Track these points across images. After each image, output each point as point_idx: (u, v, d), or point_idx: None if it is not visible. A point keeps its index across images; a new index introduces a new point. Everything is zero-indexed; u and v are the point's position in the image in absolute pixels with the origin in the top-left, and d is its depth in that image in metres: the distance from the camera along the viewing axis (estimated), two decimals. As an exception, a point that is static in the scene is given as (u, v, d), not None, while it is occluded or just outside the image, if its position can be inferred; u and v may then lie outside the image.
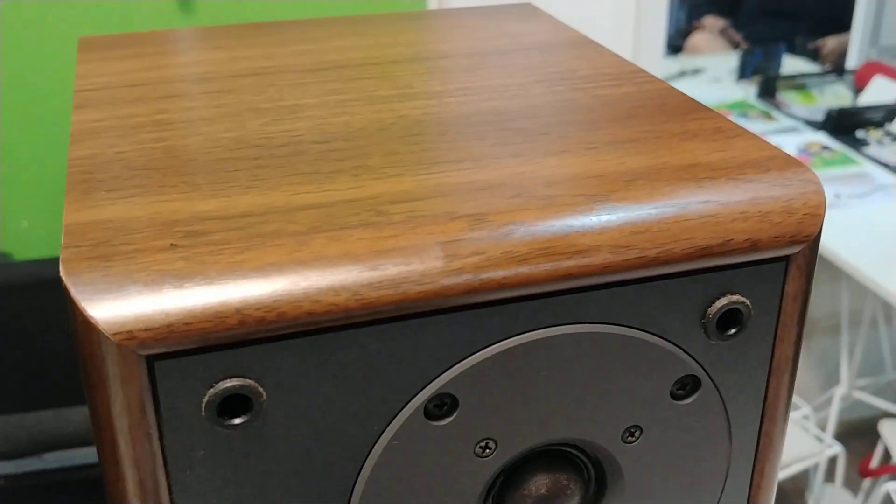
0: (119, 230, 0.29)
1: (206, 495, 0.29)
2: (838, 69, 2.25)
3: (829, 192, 1.74)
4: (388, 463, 0.30)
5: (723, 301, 0.31)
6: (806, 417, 1.79)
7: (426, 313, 0.29)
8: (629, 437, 0.33)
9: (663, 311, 0.31)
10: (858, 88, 2.11)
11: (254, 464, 0.29)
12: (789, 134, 1.94)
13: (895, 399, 1.98)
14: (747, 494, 0.36)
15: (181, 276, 0.27)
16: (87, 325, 0.26)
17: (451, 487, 0.31)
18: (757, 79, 2.15)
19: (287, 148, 0.35)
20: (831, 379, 2.07)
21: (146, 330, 0.26)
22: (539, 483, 0.32)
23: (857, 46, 2.25)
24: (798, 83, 2.16)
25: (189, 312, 0.27)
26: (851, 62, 2.26)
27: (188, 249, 0.28)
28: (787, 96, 2.11)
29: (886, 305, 1.94)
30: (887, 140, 1.93)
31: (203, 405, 0.28)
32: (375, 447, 0.30)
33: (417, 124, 0.37)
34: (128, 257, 0.28)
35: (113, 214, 0.30)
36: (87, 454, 1.05)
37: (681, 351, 0.32)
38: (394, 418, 0.30)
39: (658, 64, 1.77)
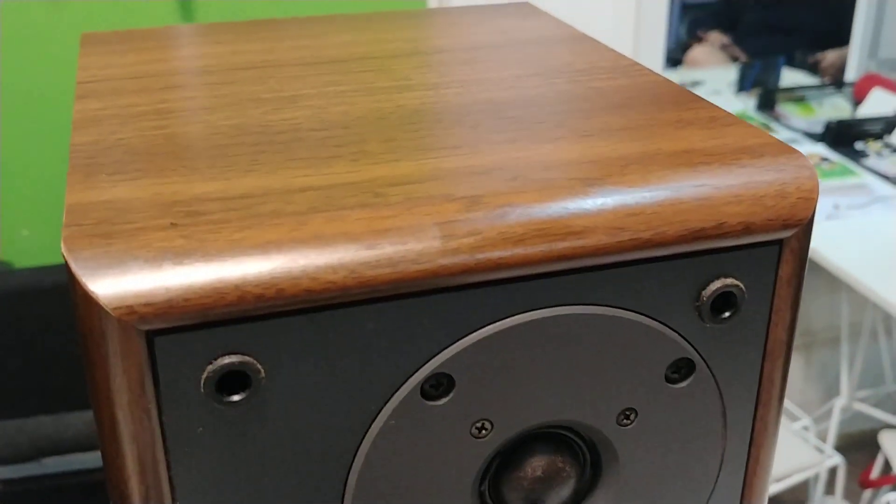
0: (120, 210, 0.29)
1: (204, 472, 0.29)
2: (837, 82, 2.25)
3: (828, 202, 1.75)
4: (385, 442, 0.30)
5: (717, 284, 0.32)
6: (806, 428, 1.78)
7: (423, 293, 0.29)
8: (624, 421, 0.33)
9: (658, 294, 0.31)
10: (857, 101, 2.12)
11: (252, 441, 0.29)
12: (788, 146, 1.94)
13: (895, 411, 1.98)
14: (742, 480, 0.36)
15: (181, 254, 0.27)
16: (88, 300, 0.27)
17: (448, 468, 0.31)
18: (756, 91, 2.16)
19: (286, 135, 0.35)
20: (831, 391, 2.07)
21: (146, 305, 0.27)
22: (535, 465, 0.33)
23: (855, 59, 2.26)
24: (797, 95, 2.17)
25: (189, 288, 0.27)
26: (850, 75, 2.26)
27: (188, 228, 0.28)
28: (786, 108, 2.12)
29: (886, 317, 1.94)
30: (886, 152, 1.93)
31: (202, 381, 0.28)
32: (373, 426, 0.30)
33: (415, 113, 0.37)
34: (128, 235, 0.28)
35: (114, 196, 0.30)
36: (86, 459, 1.05)
37: (675, 334, 0.32)
38: (391, 397, 0.30)
39: (657, 75, 1.78)
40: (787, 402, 1.84)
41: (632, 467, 0.34)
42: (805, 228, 0.32)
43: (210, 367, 0.28)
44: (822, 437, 1.84)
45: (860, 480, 1.80)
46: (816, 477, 1.72)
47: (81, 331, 0.28)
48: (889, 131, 1.97)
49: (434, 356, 0.30)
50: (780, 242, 0.32)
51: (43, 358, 1.34)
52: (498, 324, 0.30)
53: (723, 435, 0.34)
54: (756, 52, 2.54)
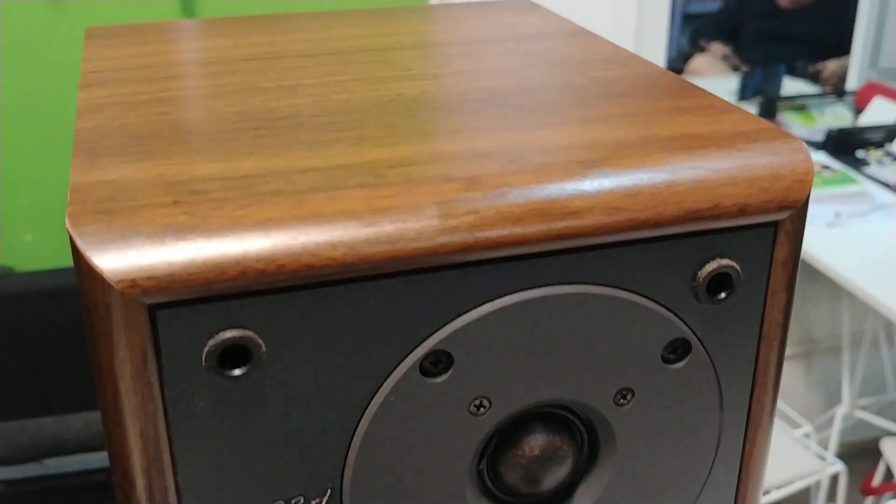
0: (123, 188, 0.30)
1: (205, 446, 0.30)
2: (838, 91, 2.26)
3: (829, 210, 1.75)
4: (385, 418, 0.31)
5: (712, 265, 0.32)
6: (807, 436, 1.78)
7: (422, 270, 0.30)
8: (621, 400, 0.33)
9: (654, 274, 0.32)
10: (858, 109, 2.12)
11: (253, 415, 0.29)
12: (789, 154, 1.95)
13: (897, 418, 1.97)
14: (739, 463, 0.36)
15: (183, 229, 0.28)
16: (92, 274, 0.27)
17: (447, 445, 0.32)
18: (757, 100, 2.17)
19: (287, 121, 0.36)
20: (833, 399, 2.07)
21: (149, 279, 0.27)
22: (533, 444, 0.33)
23: (856, 68, 2.27)
24: (798, 104, 2.18)
25: (191, 263, 0.27)
26: (851, 84, 2.27)
27: (190, 205, 0.29)
28: (787, 117, 2.12)
29: (888, 325, 1.95)
30: (887, 160, 1.94)
31: (204, 355, 0.28)
32: (372, 402, 0.30)
33: (415, 101, 0.38)
34: (132, 212, 0.28)
35: (117, 175, 0.31)
36: (88, 460, 1.05)
37: (671, 314, 0.32)
38: (390, 374, 0.30)
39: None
40: (788, 410, 1.84)
41: (629, 447, 0.34)
42: (800, 211, 0.32)
43: (212, 341, 0.28)
44: (824, 446, 1.84)
45: (862, 488, 1.80)
46: (818, 484, 1.71)
47: (85, 305, 0.28)
48: (890, 140, 1.98)
49: (433, 333, 0.30)
50: (775, 224, 0.32)
51: (45, 360, 1.34)
52: (496, 302, 0.31)
53: (719, 416, 0.35)
54: (757, 61, 2.55)
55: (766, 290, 0.33)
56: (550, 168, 0.31)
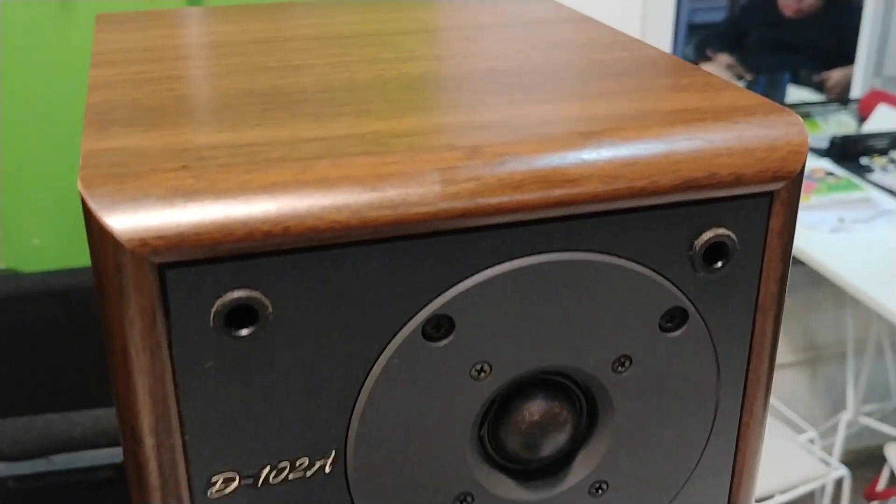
0: (133, 155, 0.31)
1: (212, 405, 0.30)
2: (842, 99, 2.27)
3: (833, 216, 1.76)
4: (388, 381, 0.31)
5: (709, 234, 0.33)
6: (811, 441, 1.78)
7: (424, 235, 0.30)
8: (619, 368, 0.34)
9: (652, 243, 0.32)
10: (862, 117, 2.13)
11: (259, 375, 0.30)
12: (794, 160, 1.96)
13: (901, 425, 1.97)
14: (736, 436, 0.37)
15: (192, 192, 0.29)
16: (103, 233, 0.28)
17: (449, 409, 0.32)
18: (761, 107, 2.17)
19: (292, 96, 0.36)
20: (837, 406, 2.07)
21: (158, 238, 0.28)
22: (532, 410, 0.34)
23: (860, 76, 2.27)
24: (802, 112, 2.19)
25: (199, 223, 0.28)
26: (856, 92, 2.28)
27: (198, 170, 0.29)
28: (791, 124, 2.13)
29: (892, 332, 1.95)
30: (891, 167, 1.94)
31: (212, 315, 0.29)
32: (376, 364, 0.31)
33: (418, 80, 0.39)
34: (141, 175, 0.29)
35: (127, 144, 0.32)
36: (94, 456, 1.06)
37: (669, 283, 0.33)
38: (393, 337, 0.31)
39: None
40: (792, 415, 1.84)
41: (627, 416, 0.35)
42: (795, 181, 0.33)
43: (219, 301, 0.29)
44: (829, 452, 1.84)
45: (866, 493, 1.80)
46: (822, 489, 1.71)
47: (96, 266, 0.29)
48: (894, 147, 1.98)
49: (435, 298, 0.31)
50: (770, 195, 0.33)
51: (52, 359, 1.35)
52: (497, 267, 0.31)
53: (716, 386, 0.35)
54: (762, 70, 2.55)
55: (762, 260, 0.34)
56: (550, 138, 0.32)
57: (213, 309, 0.29)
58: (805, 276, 1.92)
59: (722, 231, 0.33)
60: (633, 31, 1.75)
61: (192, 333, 0.29)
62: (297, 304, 0.30)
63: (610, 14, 1.73)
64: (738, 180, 0.32)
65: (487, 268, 0.31)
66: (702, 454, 0.36)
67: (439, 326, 0.31)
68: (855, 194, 1.83)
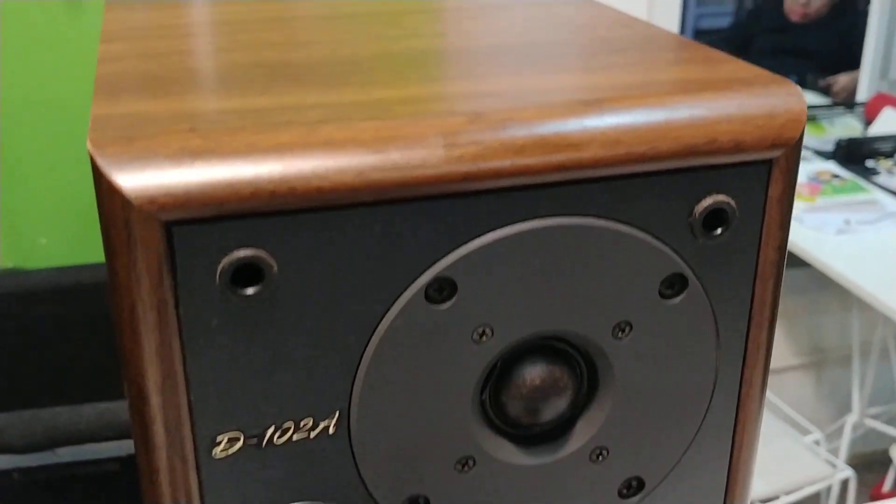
0: (142, 119, 0.31)
1: (218, 364, 0.31)
2: (848, 102, 2.27)
3: (838, 218, 1.76)
4: (390, 343, 0.32)
5: (709, 200, 0.33)
6: (817, 443, 1.78)
7: (427, 198, 0.31)
8: (619, 334, 0.34)
9: (652, 209, 0.33)
10: (868, 120, 2.13)
11: (264, 335, 0.31)
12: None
13: (907, 427, 1.97)
14: (736, 405, 0.37)
15: (199, 152, 0.29)
16: (112, 191, 0.28)
17: (451, 372, 0.33)
18: (767, 110, 2.17)
19: (299, 68, 0.37)
20: (843, 409, 2.07)
21: (166, 195, 0.28)
22: (533, 375, 0.34)
23: (866, 80, 2.28)
24: (808, 115, 2.19)
25: (206, 182, 0.29)
26: (862, 95, 2.28)
27: (206, 132, 0.30)
28: (797, 127, 2.13)
29: (897, 333, 1.94)
30: (897, 169, 1.94)
31: (217, 273, 0.29)
32: (379, 326, 0.32)
33: (422, 54, 0.39)
34: (150, 137, 0.30)
35: (136, 109, 0.32)
36: (100, 449, 1.06)
37: (669, 249, 0.33)
38: (397, 299, 0.31)
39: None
40: (797, 416, 1.84)
41: (627, 382, 0.35)
42: (794, 149, 0.34)
43: (225, 260, 0.29)
44: (835, 455, 1.84)
45: (872, 494, 1.80)
46: (828, 491, 1.71)
47: (104, 224, 0.29)
48: (900, 149, 1.99)
49: (438, 260, 0.31)
50: (769, 162, 0.33)
51: (59, 357, 1.36)
52: (498, 231, 0.32)
53: (716, 354, 0.36)
54: (768, 74, 2.55)
55: (762, 227, 0.34)
56: (552, 105, 0.32)
57: (219, 267, 0.29)
58: (810, 278, 1.92)
59: (721, 198, 0.33)
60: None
61: (198, 292, 0.30)
62: (301, 265, 0.30)
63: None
64: (738, 147, 0.33)
65: (489, 231, 0.32)
66: (701, 423, 0.37)
67: (442, 289, 0.32)
68: (860, 196, 1.83)
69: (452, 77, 0.36)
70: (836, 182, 1.88)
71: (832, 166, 1.95)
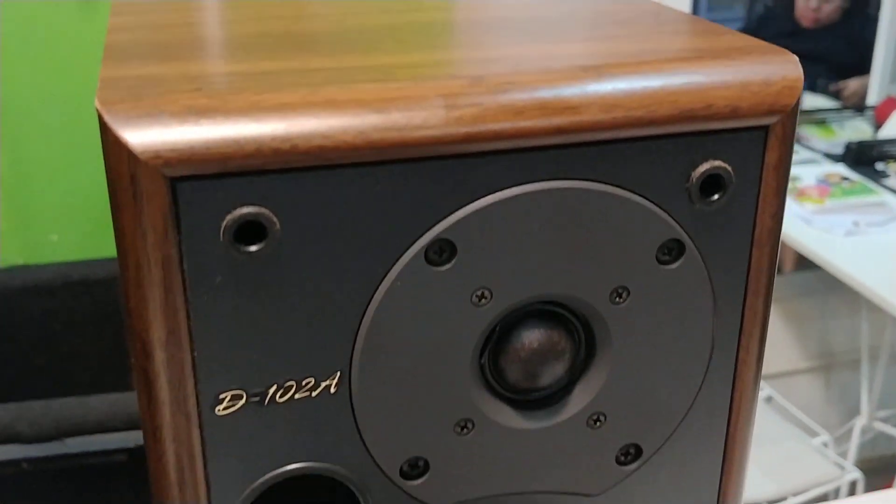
0: (149, 80, 0.32)
1: (221, 321, 0.31)
2: (858, 106, 2.27)
3: (847, 220, 1.76)
4: (392, 303, 0.32)
5: (705, 165, 0.34)
6: (825, 445, 1.78)
7: (427, 158, 0.31)
8: (617, 299, 0.35)
9: (650, 174, 0.33)
10: (878, 124, 2.13)
11: (266, 292, 0.31)
12: (808, 165, 1.96)
13: (916, 431, 1.96)
14: (733, 374, 0.38)
15: (204, 109, 0.30)
16: (119, 147, 0.29)
17: (450, 334, 0.33)
18: (777, 113, 2.17)
19: (304, 37, 0.38)
20: (852, 412, 2.06)
21: (172, 151, 0.29)
22: (532, 338, 0.34)
23: (877, 83, 2.28)
24: (818, 118, 2.19)
25: (211, 139, 0.29)
26: (872, 99, 2.28)
27: (211, 91, 0.31)
28: (807, 130, 2.13)
29: (907, 337, 1.94)
30: (907, 173, 1.94)
31: (221, 230, 0.30)
32: (380, 287, 0.32)
33: (426, 26, 0.40)
34: (157, 95, 0.30)
35: (144, 72, 0.33)
36: (108, 440, 1.07)
37: (666, 214, 0.34)
38: (397, 260, 0.32)
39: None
40: (805, 419, 1.83)
41: (624, 348, 0.35)
42: (790, 115, 0.34)
43: (229, 216, 0.30)
44: (843, 458, 1.83)
45: (879, 497, 1.79)
46: (836, 492, 1.71)
47: (111, 180, 0.30)
48: (910, 152, 1.98)
49: (438, 222, 0.32)
50: (766, 129, 0.34)
51: (69, 350, 1.36)
52: (497, 194, 0.32)
53: (712, 321, 0.36)
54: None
55: (758, 194, 0.35)
56: (552, 70, 0.33)
57: (223, 224, 0.30)
58: (820, 280, 1.92)
59: (718, 163, 0.34)
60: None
61: (202, 248, 0.30)
62: (303, 224, 0.31)
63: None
64: (734, 113, 0.33)
65: (489, 194, 0.32)
66: (699, 390, 0.37)
67: (441, 251, 0.32)
68: (870, 198, 1.83)
69: (454, 46, 0.37)
70: (845, 184, 1.88)
71: (842, 169, 1.95)
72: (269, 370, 0.32)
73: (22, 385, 1.37)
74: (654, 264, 0.35)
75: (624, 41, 0.37)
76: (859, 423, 1.91)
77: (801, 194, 1.83)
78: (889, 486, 1.79)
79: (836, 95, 2.50)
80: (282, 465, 0.34)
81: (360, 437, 0.34)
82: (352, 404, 0.34)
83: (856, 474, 1.68)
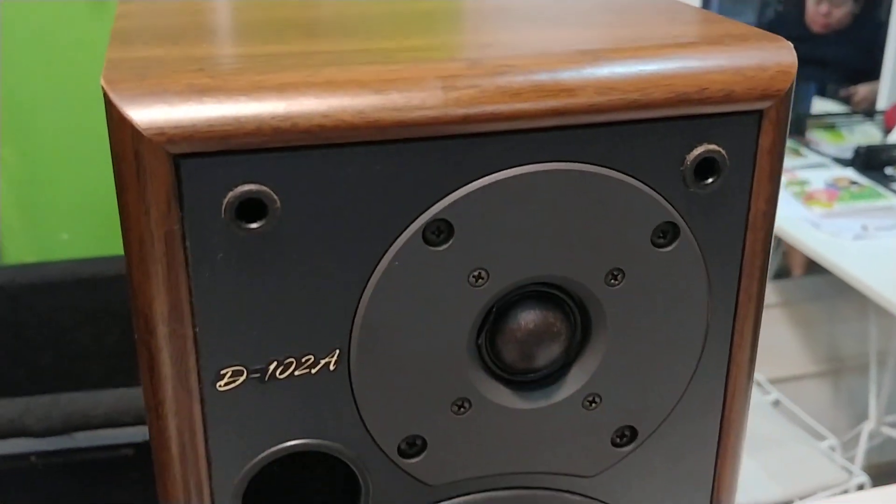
0: (154, 61, 0.33)
1: (223, 297, 0.32)
2: (868, 110, 2.27)
3: (856, 224, 1.76)
4: (389, 282, 0.33)
5: (700, 149, 0.34)
6: (833, 449, 1.78)
7: (426, 138, 0.32)
8: (612, 281, 0.35)
9: (645, 157, 0.34)
10: (888, 128, 2.13)
11: (267, 269, 0.32)
12: (817, 169, 1.96)
13: (924, 436, 1.96)
14: (727, 355, 0.38)
15: (207, 88, 0.30)
16: (123, 124, 0.30)
17: (448, 314, 0.34)
18: (786, 117, 2.17)
19: (307, 24, 0.38)
20: (860, 417, 2.06)
21: (175, 128, 0.30)
22: (528, 319, 0.35)
23: (886, 89, 2.27)
24: (827, 123, 2.19)
25: (213, 117, 0.30)
26: (881, 103, 2.28)
27: (214, 72, 0.31)
28: (816, 135, 2.13)
29: (915, 341, 1.94)
30: (916, 177, 1.94)
31: (223, 207, 0.31)
32: (378, 266, 0.33)
33: (427, 13, 0.40)
34: (161, 75, 0.31)
35: (149, 53, 0.34)
36: (116, 435, 1.08)
37: (661, 197, 0.34)
38: (395, 239, 0.33)
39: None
40: (813, 423, 1.83)
41: (619, 330, 0.36)
42: (784, 100, 0.34)
43: (231, 194, 0.31)
44: (851, 463, 1.83)
45: (886, 501, 1.79)
46: (844, 494, 1.70)
47: (115, 157, 0.31)
48: (919, 157, 1.98)
49: (435, 202, 0.32)
50: (759, 113, 0.34)
51: (78, 348, 1.37)
52: (494, 175, 0.33)
53: (707, 303, 0.36)
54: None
55: (752, 178, 0.35)
56: (549, 53, 0.34)
57: (225, 201, 0.31)
58: (828, 284, 1.92)
59: (713, 147, 0.34)
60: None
61: (204, 225, 0.31)
62: (303, 202, 0.31)
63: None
64: (728, 97, 0.34)
65: (486, 175, 0.33)
66: (694, 373, 0.38)
67: (439, 231, 0.33)
68: (878, 203, 1.83)
69: (454, 32, 0.37)
70: (853, 188, 1.88)
71: (851, 173, 1.95)
72: (269, 347, 0.33)
73: (30, 382, 1.39)
74: (649, 247, 0.35)
75: (620, 28, 0.37)
76: (867, 427, 1.91)
77: (810, 198, 1.83)
78: (896, 490, 1.78)
79: (845, 100, 2.49)
80: (281, 442, 0.34)
81: (359, 414, 0.35)
82: (350, 382, 0.34)
83: (863, 478, 1.67)
